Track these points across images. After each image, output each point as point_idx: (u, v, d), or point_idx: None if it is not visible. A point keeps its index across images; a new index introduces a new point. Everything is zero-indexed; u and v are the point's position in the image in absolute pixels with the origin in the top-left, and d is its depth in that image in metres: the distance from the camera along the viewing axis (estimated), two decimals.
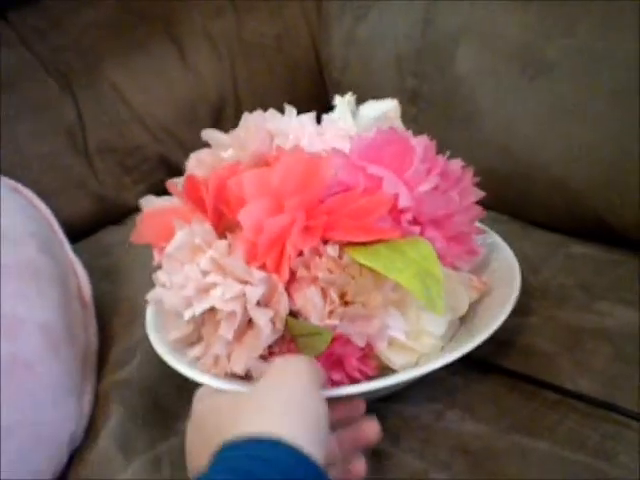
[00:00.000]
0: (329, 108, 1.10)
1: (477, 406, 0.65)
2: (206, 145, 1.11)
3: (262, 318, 0.61)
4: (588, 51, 0.81)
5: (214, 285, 0.62)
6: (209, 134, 0.76)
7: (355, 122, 0.75)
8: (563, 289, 0.72)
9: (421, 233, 0.63)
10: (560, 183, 0.84)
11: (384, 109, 0.76)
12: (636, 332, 0.70)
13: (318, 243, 0.61)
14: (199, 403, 0.60)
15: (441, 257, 0.62)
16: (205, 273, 0.63)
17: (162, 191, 1.10)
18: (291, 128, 0.71)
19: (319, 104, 1.12)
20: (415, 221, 0.63)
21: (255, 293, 0.61)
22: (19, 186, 0.89)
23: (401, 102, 0.96)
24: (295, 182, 0.63)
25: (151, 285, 0.71)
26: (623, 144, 0.79)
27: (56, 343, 0.73)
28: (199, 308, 0.63)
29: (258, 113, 0.74)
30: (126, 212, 1.08)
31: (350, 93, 0.78)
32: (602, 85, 0.80)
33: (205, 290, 0.63)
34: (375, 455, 0.63)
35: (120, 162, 1.09)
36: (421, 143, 0.65)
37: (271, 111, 0.74)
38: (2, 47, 1.05)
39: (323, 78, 1.16)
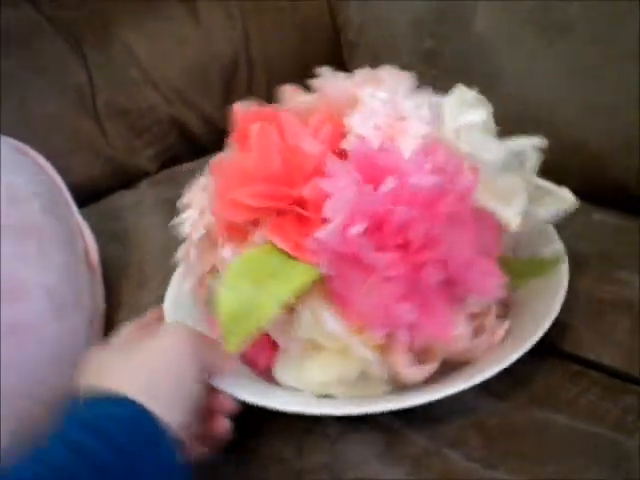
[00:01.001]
0: (343, 70, 1.08)
1: (493, 380, 0.63)
2: (219, 107, 1.09)
3: None
4: (608, 11, 0.79)
5: None
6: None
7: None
8: (582, 258, 0.70)
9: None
10: (579, 146, 0.81)
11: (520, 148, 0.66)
12: None
13: None
14: (95, 354, 0.61)
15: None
16: None
17: (173, 154, 1.09)
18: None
19: (334, 66, 1.11)
20: None
21: None
22: (24, 146, 0.88)
23: (418, 63, 0.95)
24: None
25: (161, 249, 0.70)
26: None
27: (60, 306, 0.72)
28: None
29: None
30: (136, 176, 1.06)
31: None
32: (622, 46, 0.78)
33: None
34: (385, 434, 0.61)
35: (130, 124, 1.07)
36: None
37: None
38: (10, 6, 1.03)
39: (338, 39, 1.13)
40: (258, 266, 0.59)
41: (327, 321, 0.59)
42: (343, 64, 1.09)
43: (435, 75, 0.94)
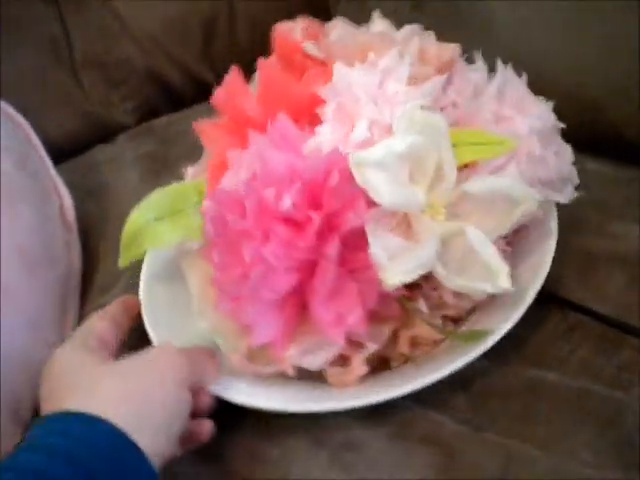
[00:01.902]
0: (328, 17, 1.05)
1: None
2: (198, 59, 1.06)
3: None
4: None
5: None
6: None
7: None
8: (576, 208, 0.67)
9: None
10: (573, 93, 0.78)
11: None
12: None
13: None
14: (62, 353, 0.58)
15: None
16: None
17: (151, 108, 1.06)
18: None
19: (317, 14, 1.07)
20: None
21: None
22: None
23: (405, 11, 0.91)
24: None
25: None
26: None
27: (33, 265, 0.70)
28: None
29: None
30: (114, 130, 1.03)
31: None
32: None
33: None
34: None
35: (107, 77, 1.03)
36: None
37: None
38: None
39: None
40: (172, 201, 0.62)
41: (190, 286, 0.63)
42: (327, 11, 1.06)
43: (423, 23, 0.90)
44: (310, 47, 0.65)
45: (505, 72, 0.64)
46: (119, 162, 0.95)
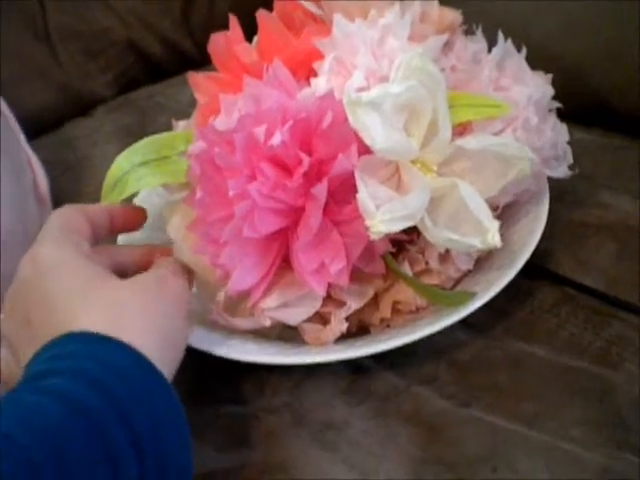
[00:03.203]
0: None
1: None
2: (177, 28, 1.04)
3: None
4: None
5: None
6: None
7: None
8: (562, 180, 0.66)
9: None
10: (557, 60, 0.77)
11: None
12: None
13: None
14: (32, 264, 0.50)
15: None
16: None
17: (130, 79, 1.04)
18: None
19: None
20: None
21: None
22: None
23: None
24: None
25: None
26: (625, 15, 0.72)
27: (6, 241, 0.67)
28: None
29: None
30: (93, 102, 1.01)
31: None
32: None
33: None
34: (352, 370, 0.58)
35: (85, 48, 1.01)
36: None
37: None
38: None
39: None
40: (159, 148, 0.60)
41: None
42: None
43: None
44: (310, 5, 0.64)
45: (505, 45, 0.63)
46: (97, 135, 0.93)
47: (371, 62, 0.56)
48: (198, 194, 0.55)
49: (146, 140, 0.61)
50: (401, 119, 0.53)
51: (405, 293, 0.58)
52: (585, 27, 0.76)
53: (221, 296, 0.57)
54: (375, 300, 0.59)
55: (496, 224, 0.51)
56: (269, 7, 0.64)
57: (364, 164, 0.52)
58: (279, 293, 0.55)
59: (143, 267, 0.56)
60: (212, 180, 0.54)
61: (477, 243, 0.51)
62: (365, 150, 0.52)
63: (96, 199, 0.76)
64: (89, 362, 0.42)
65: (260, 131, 0.52)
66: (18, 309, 0.49)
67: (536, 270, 0.61)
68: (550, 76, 0.64)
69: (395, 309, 0.59)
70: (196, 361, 0.58)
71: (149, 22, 1.03)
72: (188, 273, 0.56)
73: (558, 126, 0.64)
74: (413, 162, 0.53)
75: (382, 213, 0.49)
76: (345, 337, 0.58)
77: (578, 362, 0.55)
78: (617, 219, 0.66)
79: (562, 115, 0.76)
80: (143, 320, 0.47)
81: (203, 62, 0.68)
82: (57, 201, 0.80)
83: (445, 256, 0.58)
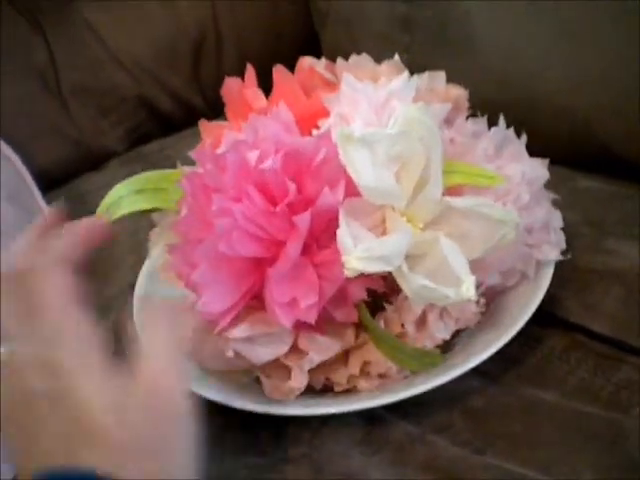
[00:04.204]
0: (315, 39, 1.05)
1: None
2: (187, 83, 1.06)
3: None
4: None
5: None
6: None
7: None
8: (569, 226, 0.67)
9: None
10: (564, 112, 0.78)
11: None
12: None
13: None
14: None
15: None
16: None
17: (142, 134, 1.05)
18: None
19: (304, 36, 1.07)
20: None
21: None
22: None
23: (391, 30, 0.91)
24: None
25: (128, 234, 0.67)
26: (632, 68, 0.73)
27: None
28: None
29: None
30: (105, 157, 1.02)
31: None
32: (609, 5, 0.74)
33: None
34: (367, 420, 0.58)
35: (97, 104, 1.03)
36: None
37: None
38: None
39: (308, 8, 1.09)
40: (157, 180, 0.62)
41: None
42: (315, 34, 1.05)
43: (409, 42, 0.90)
44: (325, 71, 0.66)
45: (505, 131, 0.64)
46: (108, 189, 0.94)
47: (371, 116, 0.58)
48: (183, 212, 0.56)
49: (147, 173, 0.63)
50: (393, 167, 0.53)
51: (377, 354, 0.58)
52: (590, 79, 0.77)
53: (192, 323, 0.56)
54: (345, 359, 0.59)
55: (472, 278, 0.51)
56: (277, 63, 0.66)
57: (350, 205, 0.52)
58: (248, 326, 0.55)
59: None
60: (199, 200, 0.55)
61: (451, 294, 0.50)
62: (355, 193, 0.53)
63: (108, 255, 0.78)
64: None
65: (253, 155, 0.53)
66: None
67: (546, 317, 0.62)
68: (547, 161, 0.65)
69: (364, 371, 0.58)
70: (217, 412, 0.59)
71: (159, 78, 1.05)
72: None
73: (552, 212, 0.64)
74: (401, 215, 0.54)
75: (359, 250, 0.50)
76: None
77: (589, 407, 0.56)
78: (623, 265, 0.67)
79: (569, 163, 0.78)
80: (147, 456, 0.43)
81: (213, 117, 0.69)
82: None
83: (422, 322, 0.58)
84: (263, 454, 0.58)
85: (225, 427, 0.60)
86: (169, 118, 1.06)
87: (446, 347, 0.60)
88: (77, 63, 1.02)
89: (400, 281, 0.52)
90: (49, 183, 0.92)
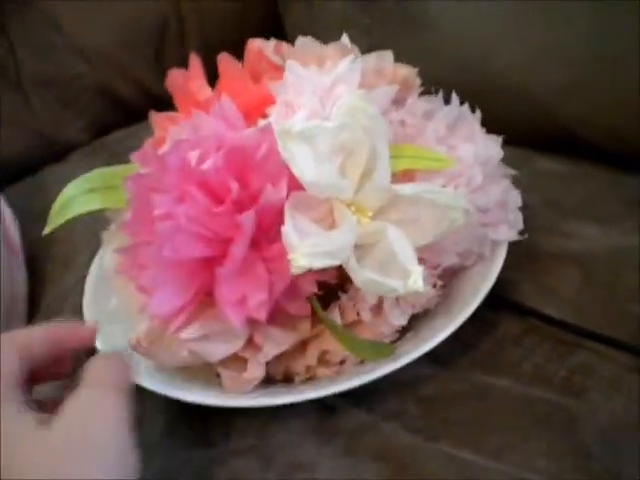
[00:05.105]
0: (279, 23, 1.04)
1: None
2: (150, 71, 1.04)
3: None
4: None
5: None
6: None
7: None
8: (528, 208, 0.66)
9: None
10: (522, 91, 0.77)
11: None
12: (607, 254, 0.65)
13: None
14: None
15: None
16: None
17: (104, 124, 1.04)
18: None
19: (269, 21, 1.06)
20: None
21: None
22: None
23: (353, 13, 0.90)
24: None
25: (88, 225, 0.66)
26: (589, 47, 0.72)
27: None
28: None
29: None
30: (67, 148, 1.01)
31: None
32: None
33: None
34: (318, 409, 0.58)
35: (58, 95, 1.01)
36: None
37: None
38: None
39: None
40: (109, 178, 0.61)
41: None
42: (278, 16, 1.04)
43: (369, 24, 0.89)
44: (273, 55, 0.64)
45: (459, 106, 0.63)
46: (71, 181, 0.93)
47: (316, 104, 0.57)
48: (128, 216, 0.55)
49: (97, 170, 0.62)
50: (337, 159, 0.52)
51: (334, 343, 0.57)
52: (548, 58, 0.76)
53: (142, 326, 0.56)
54: (303, 349, 0.58)
55: (419, 269, 0.50)
56: (241, 50, 0.65)
57: (295, 200, 0.51)
58: (200, 325, 0.54)
59: (59, 349, 0.54)
60: (143, 202, 0.53)
61: (398, 286, 0.50)
62: (300, 186, 0.52)
63: (66, 246, 0.77)
64: None
65: (194, 155, 0.52)
66: None
67: (499, 301, 0.61)
68: (500, 138, 0.64)
69: (322, 359, 0.58)
70: (168, 406, 0.58)
71: (121, 67, 1.03)
72: (122, 368, 0.52)
73: (510, 191, 0.63)
74: (348, 205, 0.53)
75: (305, 246, 0.49)
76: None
77: (543, 393, 0.55)
78: (581, 247, 0.66)
79: (529, 144, 0.77)
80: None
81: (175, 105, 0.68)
82: (29, 248, 0.80)
83: (378, 309, 0.57)
84: (212, 447, 0.57)
85: (175, 421, 0.59)
86: (132, 107, 1.05)
87: (402, 331, 0.59)
88: (37, 53, 1.00)
89: (350, 273, 0.52)
90: (10, 175, 0.91)
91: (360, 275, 0.50)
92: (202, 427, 0.58)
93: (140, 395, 0.57)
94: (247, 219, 0.51)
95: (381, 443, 0.55)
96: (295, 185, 0.52)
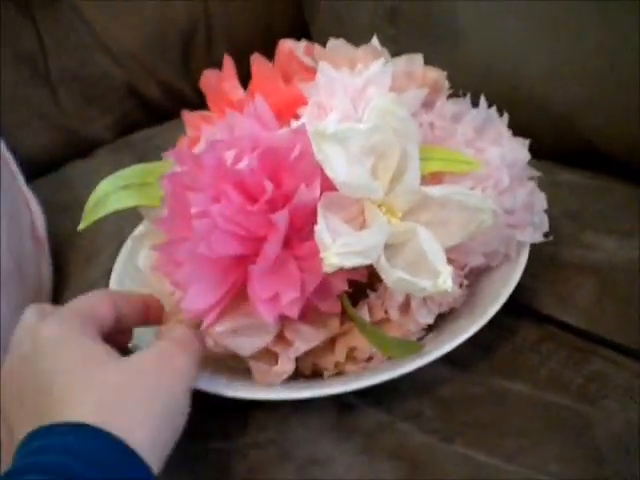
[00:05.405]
0: (306, 30, 1.05)
1: None
2: (177, 73, 1.06)
3: None
4: None
5: None
6: None
7: None
8: (549, 219, 0.67)
9: None
10: (544, 104, 0.78)
11: None
12: (624, 265, 0.66)
13: None
14: (32, 342, 0.50)
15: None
16: None
17: (130, 123, 1.05)
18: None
19: (295, 27, 1.07)
20: None
21: None
22: None
23: (379, 24, 0.91)
24: None
25: (113, 220, 0.67)
26: (611, 58, 0.74)
27: (3, 282, 0.69)
28: None
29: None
30: (92, 145, 1.02)
31: None
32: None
33: None
34: (337, 407, 0.59)
35: (85, 92, 1.03)
36: None
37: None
38: None
39: (300, 0, 1.09)
40: (144, 175, 0.62)
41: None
42: (305, 25, 1.06)
43: (396, 35, 0.90)
44: (304, 56, 0.66)
45: (487, 110, 0.64)
46: (95, 177, 0.93)
47: (348, 106, 0.58)
48: (164, 212, 0.56)
49: (133, 167, 0.63)
50: (369, 161, 0.53)
51: (362, 340, 0.58)
52: (571, 72, 0.77)
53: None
54: (331, 345, 0.59)
55: (448, 269, 0.51)
56: (268, 54, 0.66)
57: (328, 200, 0.52)
58: (231, 320, 0.55)
59: (143, 317, 0.58)
60: (179, 200, 0.54)
61: (428, 286, 0.50)
62: (332, 187, 0.52)
63: (91, 240, 0.78)
64: (72, 459, 0.42)
65: (230, 155, 0.53)
66: (14, 387, 0.49)
67: (519, 308, 0.62)
68: (527, 141, 0.64)
69: (350, 356, 0.59)
70: None
71: (148, 66, 1.05)
72: (198, 339, 0.55)
73: (536, 194, 0.64)
74: (379, 206, 0.54)
75: (337, 246, 0.49)
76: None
77: (559, 398, 0.56)
78: (600, 259, 0.67)
79: (551, 157, 0.78)
80: (139, 410, 0.47)
81: (201, 105, 0.69)
82: (54, 242, 0.81)
83: (405, 307, 0.58)
84: (229, 439, 0.58)
85: (192, 412, 0.60)
86: (158, 107, 1.06)
87: (427, 330, 0.60)
88: (66, 50, 1.02)
89: (380, 272, 0.52)
90: (36, 170, 0.92)
91: (391, 274, 0.51)
92: (220, 419, 0.59)
93: None
94: (281, 218, 0.52)
95: (398, 442, 0.56)
96: (327, 186, 0.53)
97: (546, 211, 0.65)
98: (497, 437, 0.55)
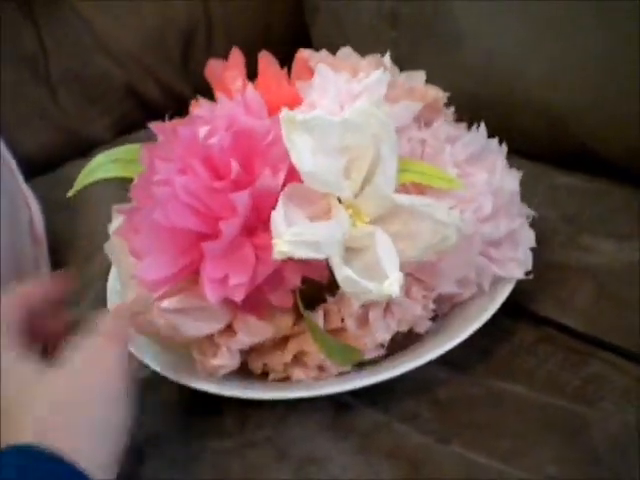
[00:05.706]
0: (305, 32, 1.05)
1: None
2: (176, 74, 1.06)
3: None
4: None
5: None
6: None
7: None
8: (546, 222, 0.67)
9: None
10: (543, 108, 0.79)
11: None
12: (622, 268, 0.66)
13: None
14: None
15: None
16: None
17: (130, 122, 1.05)
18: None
19: (295, 28, 1.07)
20: None
21: None
22: None
23: (380, 25, 0.92)
24: None
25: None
26: (610, 62, 0.74)
27: (2, 280, 0.69)
28: None
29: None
30: (91, 145, 1.02)
31: None
32: (591, 4, 0.74)
33: None
34: (334, 407, 0.59)
35: (85, 92, 1.03)
36: None
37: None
38: None
39: (300, 1, 1.09)
40: (132, 152, 0.63)
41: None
42: (305, 26, 1.06)
43: (396, 37, 0.90)
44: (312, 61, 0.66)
45: (486, 138, 0.64)
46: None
47: (334, 106, 0.58)
48: (136, 180, 0.57)
49: (126, 146, 0.65)
50: (343, 159, 0.53)
51: (313, 345, 0.57)
52: (570, 75, 0.77)
53: (130, 294, 0.59)
54: (283, 346, 0.59)
55: (398, 275, 0.50)
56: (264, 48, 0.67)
57: (292, 190, 0.52)
58: (183, 299, 0.55)
59: (57, 304, 0.59)
60: (151, 169, 0.55)
61: (372, 287, 0.50)
62: (301, 180, 0.52)
63: (89, 239, 0.78)
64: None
65: (203, 130, 0.53)
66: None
67: (517, 310, 0.62)
68: (520, 174, 0.64)
69: (301, 360, 0.58)
70: (184, 395, 0.60)
71: (147, 67, 1.05)
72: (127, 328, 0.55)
73: (525, 230, 0.63)
74: (347, 208, 0.53)
75: (289, 234, 0.49)
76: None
77: (556, 400, 0.56)
78: (598, 261, 0.67)
79: (548, 160, 0.78)
80: (74, 419, 0.47)
81: None
82: (52, 241, 0.81)
83: (363, 319, 0.57)
84: (227, 438, 0.58)
85: (192, 409, 0.60)
86: (157, 108, 1.06)
87: (415, 337, 0.60)
88: (66, 50, 1.02)
89: (334, 271, 0.51)
90: (35, 169, 0.92)
91: (341, 272, 0.50)
92: (217, 417, 0.60)
93: (155, 383, 0.59)
94: (240, 198, 0.52)
95: (394, 443, 0.56)
96: (297, 179, 0.52)
97: (542, 215, 0.65)
98: (494, 438, 0.55)
